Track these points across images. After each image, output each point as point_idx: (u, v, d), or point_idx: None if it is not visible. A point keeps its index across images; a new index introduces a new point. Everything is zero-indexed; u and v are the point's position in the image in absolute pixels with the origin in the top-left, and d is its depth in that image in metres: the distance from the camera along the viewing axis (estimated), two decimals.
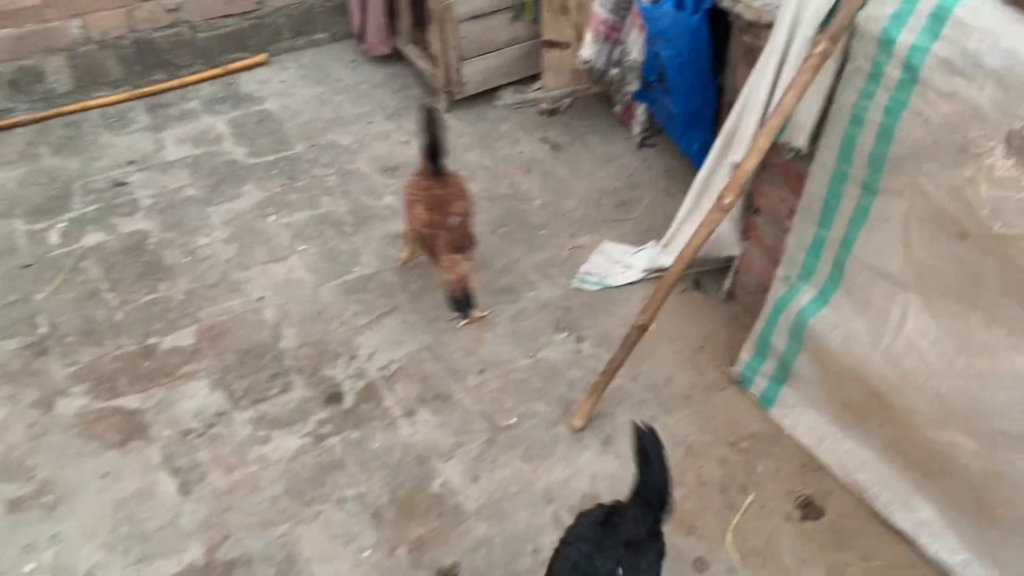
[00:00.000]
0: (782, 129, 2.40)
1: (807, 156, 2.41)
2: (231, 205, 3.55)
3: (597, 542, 1.73)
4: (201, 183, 3.67)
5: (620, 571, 1.68)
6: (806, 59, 2.13)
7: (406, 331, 2.97)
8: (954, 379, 2.08)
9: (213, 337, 2.95)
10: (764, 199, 2.71)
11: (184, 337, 2.95)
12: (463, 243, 2.90)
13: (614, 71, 3.68)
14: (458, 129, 3.96)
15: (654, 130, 3.80)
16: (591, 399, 2.60)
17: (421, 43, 4.18)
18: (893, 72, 2.02)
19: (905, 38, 1.98)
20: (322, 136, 3.94)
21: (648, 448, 1.72)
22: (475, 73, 3.95)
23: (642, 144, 3.81)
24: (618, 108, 3.83)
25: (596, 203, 3.52)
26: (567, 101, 4.02)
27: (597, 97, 3.95)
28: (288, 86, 4.30)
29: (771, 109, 2.42)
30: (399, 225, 3.40)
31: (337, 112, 4.11)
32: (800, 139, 2.41)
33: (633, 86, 3.62)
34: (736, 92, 3.19)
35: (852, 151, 2.20)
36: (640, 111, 3.72)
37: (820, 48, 2.09)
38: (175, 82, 4.25)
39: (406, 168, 3.71)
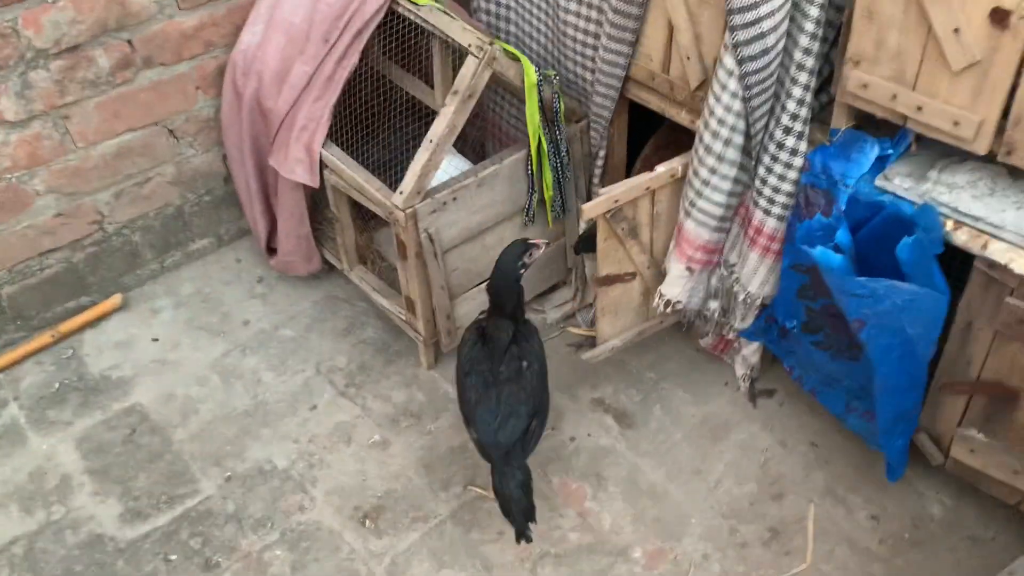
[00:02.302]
0: None
1: None
2: None
3: (477, 345, 2.12)
4: None
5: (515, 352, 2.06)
6: None
7: None
8: None
9: None
10: None
11: None
12: None
13: (712, 304, 2.31)
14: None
15: (763, 368, 2.45)
16: None
17: (374, 260, 2.67)
18: None
19: None
20: (241, 453, 2.39)
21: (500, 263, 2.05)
22: (474, 309, 2.48)
23: (753, 393, 2.45)
24: (708, 340, 2.45)
25: (733, 541, 2.13)
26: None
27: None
28: (165, 347, 2.69)
29: None
30: None
31: (255, 393, 2.55)
32: None
33: (744, 324, 2.26)
34: (965, 372, 1.88)
35: None
36: (751, 351, 2.35)
37: None
38: None
39: (395, 508, 2.22)
